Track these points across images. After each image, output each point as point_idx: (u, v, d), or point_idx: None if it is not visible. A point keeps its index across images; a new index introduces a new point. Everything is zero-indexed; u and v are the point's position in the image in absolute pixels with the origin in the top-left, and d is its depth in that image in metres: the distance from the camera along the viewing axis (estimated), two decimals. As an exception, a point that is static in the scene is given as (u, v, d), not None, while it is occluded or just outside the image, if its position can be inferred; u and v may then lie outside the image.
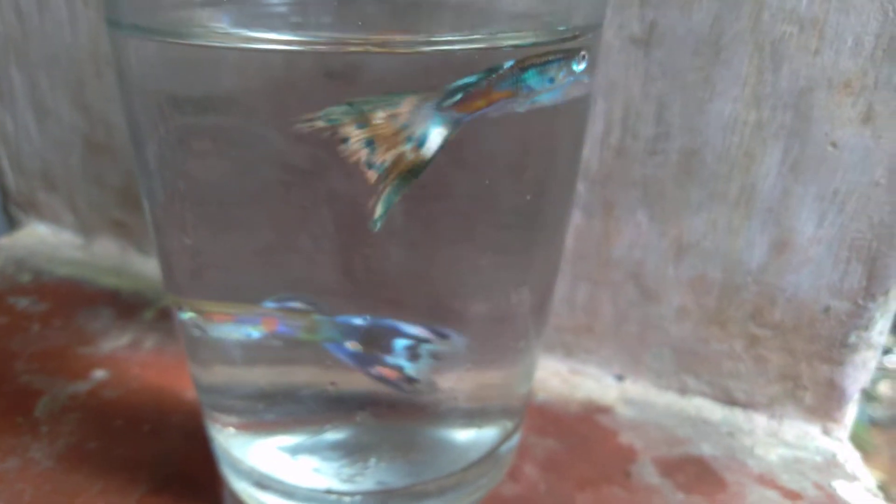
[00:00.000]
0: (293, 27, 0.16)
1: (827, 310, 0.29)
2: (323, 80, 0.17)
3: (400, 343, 0.19)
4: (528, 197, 0.20)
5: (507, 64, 0.17)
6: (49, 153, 0.42)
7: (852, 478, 0.28)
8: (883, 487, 0.28)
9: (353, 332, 0.19)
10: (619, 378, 0.33)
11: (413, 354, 0.20)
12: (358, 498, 0.22)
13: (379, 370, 0.20)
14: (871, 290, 0.28)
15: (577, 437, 0.29)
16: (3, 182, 0.45)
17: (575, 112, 0.21)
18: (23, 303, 0.38)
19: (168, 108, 0.18)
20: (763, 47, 0.26)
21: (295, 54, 0.16)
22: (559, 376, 0.33)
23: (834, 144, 0.26)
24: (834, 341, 0.29)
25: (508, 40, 0.17)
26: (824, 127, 0.26)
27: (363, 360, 0.20)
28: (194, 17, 0.17)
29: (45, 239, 0.45)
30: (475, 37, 0.17)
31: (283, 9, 0.16)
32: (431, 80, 0.17)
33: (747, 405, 0.31)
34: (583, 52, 0.18)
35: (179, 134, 0.18)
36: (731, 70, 0.26)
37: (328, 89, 0.17)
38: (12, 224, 0.47)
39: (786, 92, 0.26)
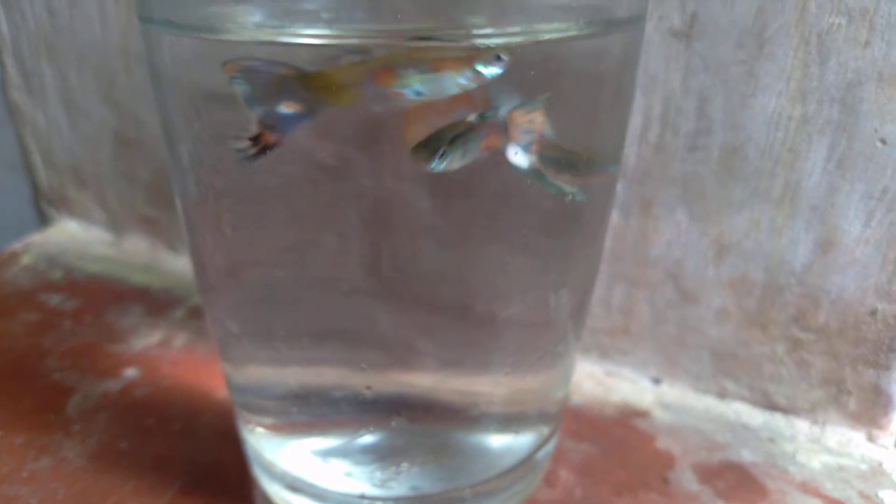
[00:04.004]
0: (326, 22, 0.16)
1: (874, 312, 0.28)
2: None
3: None
4: (569, 197, 0.19)
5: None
6: (79, 149, 0.42)
7: (900, 487, 0.27)
8: (933, 497, 0.27)
9: None
10: (656, 381, 0.32)
11: None
12: (391, 503, 0.22)
13: None
14: (922, 292, 0.27)
15: (613, 442, 0.29)
16: (35, 179, 0.46)
17: (616, 109, 0.20)
18: (54, 300, 0.38)
19: (202, 106, 0.18)
20: (809, 40, 0.25)
21: (326, 50, 0.16)
22: (594, 379, 0.33)
23: (883, 141, 0.25)
24: (881, 345, 0.28)
25: (548, 33, 0.17)
26: (873, 122, 0.25)
27: None
28: (227, 12, 0.17)
29: (75, 236, 0.45)
30: (513, 30, 0.16)
31: (315, 4, 0.16)
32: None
33: (789, 410, 0.31)
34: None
35: (213, 131, 0.18)
36: (776, 63, 0.26)
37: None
38: (44, 221, 0.47)
39: (833, 86, 0.25)
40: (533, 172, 0.18)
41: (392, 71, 0.15)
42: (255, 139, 0.17)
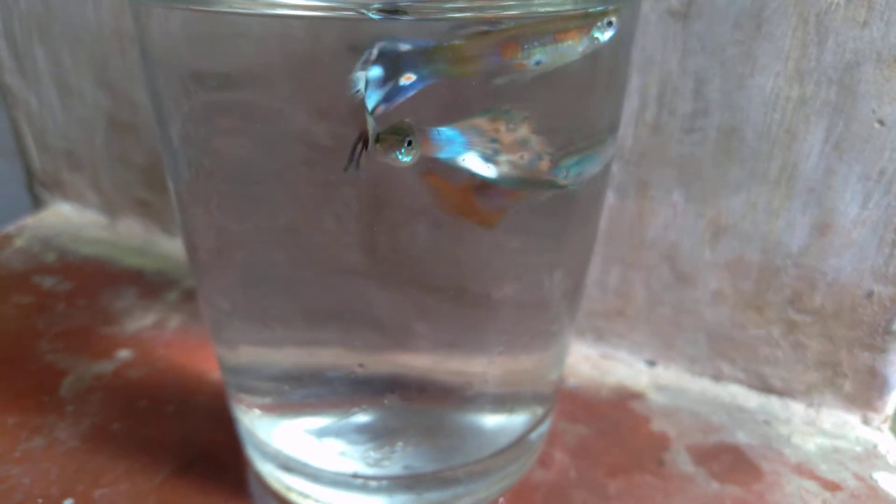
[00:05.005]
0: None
1: (870, 295, 0.28)
2: (347, 54, 0.16)
3: None
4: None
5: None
6: (73, 132, 0.42)
7: (894, 469, 0.27)
8: (927, 479, 0.27)
9: None
10: (651, 363, 0.32)
11: None
12: (385, 483, 0.22)
13: None
14: (918, 274, 0.27)
15: (608, 424, 0.29)
16: (28, 162, 0.45)
17: (612, 89, 0.20)
18: (48, 282, 0.38)
19: (192, 84, 0.18)
20: (807, 19, 0.25)
21: (318, 27, 0.16)
22: (589, 361, 0.33)
23: (881, 122, 0.25)
24: (877, 328, 0.28)
25: (543, 6, 0.16)
26: (871, 103, 0.25)
27: None
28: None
29: (69, 218, 0.45)
30: (508, 3, 0.16)
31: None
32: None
33: (784, 393, 0.31)
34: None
35: (203, 110, 0.18)
36: (774, 44, 0.25)
37: (352, 63, 0.16)
38: (37, 204, 0.47)
39: (830, 66, 0.25)
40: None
41: (517, 43, 0.15)
42: (356, 145, 0.16)
